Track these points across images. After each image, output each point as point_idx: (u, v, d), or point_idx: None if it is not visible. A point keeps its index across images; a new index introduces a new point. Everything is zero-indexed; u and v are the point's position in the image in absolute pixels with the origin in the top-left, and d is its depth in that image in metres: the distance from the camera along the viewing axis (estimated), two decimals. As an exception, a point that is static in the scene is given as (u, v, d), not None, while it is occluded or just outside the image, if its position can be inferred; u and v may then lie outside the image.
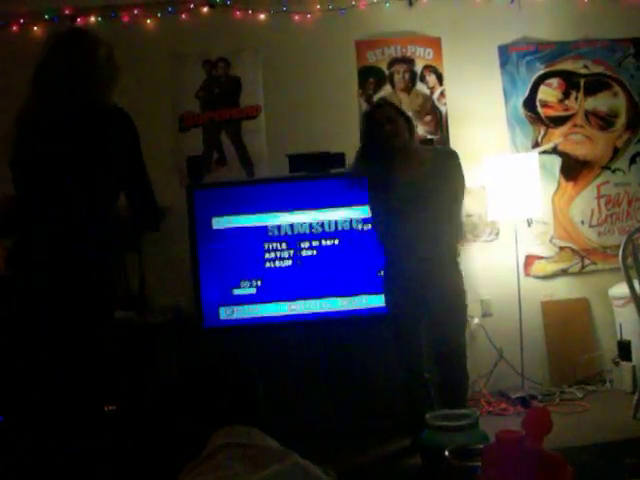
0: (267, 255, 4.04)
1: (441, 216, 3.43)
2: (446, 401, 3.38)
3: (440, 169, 3.46)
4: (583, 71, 4.70)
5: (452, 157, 3.56)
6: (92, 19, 4.43)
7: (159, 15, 4.47)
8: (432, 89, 4.63)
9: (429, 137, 4.52)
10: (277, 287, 4.04)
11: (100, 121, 2.58)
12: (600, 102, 4.71)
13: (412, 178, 3.43)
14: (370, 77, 4.61)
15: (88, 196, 2.53)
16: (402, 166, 3.47)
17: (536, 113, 4.68)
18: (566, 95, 4.69)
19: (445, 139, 4.59)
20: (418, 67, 4.64)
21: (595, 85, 4.71)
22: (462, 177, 3.54)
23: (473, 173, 4.43)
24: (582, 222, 4.70)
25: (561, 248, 4.68)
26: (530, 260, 4.64)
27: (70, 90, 2.56)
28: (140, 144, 2.64)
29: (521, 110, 4.66)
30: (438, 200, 3.42)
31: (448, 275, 3.45)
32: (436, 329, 3.46)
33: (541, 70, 4.68)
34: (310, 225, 4.05)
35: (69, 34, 2.73)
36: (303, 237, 4.05)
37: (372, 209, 3.62)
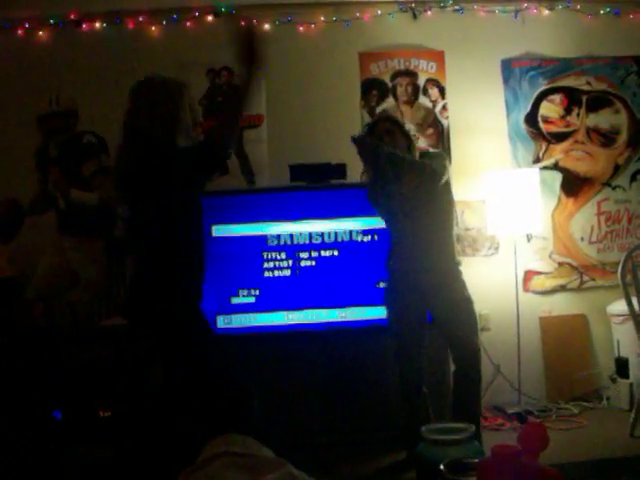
0: (266, 264, 4.04)
1: (439, 225, 3.43)
2: (460, 409, 3.38)
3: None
4: (585, 87, 4.71)
5: (437, 158, 3.54)
6: (97, 25, 4.45)
7: (164, 22, 4.49)
8: (434, 102, 4.64)
9: (431, 150, 4.53)
10: (275, 297, 4.03)
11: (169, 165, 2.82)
12: (602, 119, 4.72)
13: (407, 190, 3.41)
14: (373, 89, 4.62)
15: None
16: (398, 179, 3.43)
17: (538, 128, 4.69)
18: (568, 111, 4.70)
19: (446, 152, 4.59)
20: (421, 80, 4.65)
21: (597, 102, 4.72)
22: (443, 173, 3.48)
23: (474, 186, 4.44)
24: (582, 239, 4.70)
25: (560, 264, 4.68)
26: (529, 275, 4.64)
27: (148, 141, 2.83)
28: (193, 165, 2.86)
29: (523, 125, 4.67)
30: (434, 209, 3.42)
31: (451, 285, 3.43)
32: (448, 338, 3.47)
33: (543, 86, 4.70)
34: (310, 235, 4.05)
35: (151, 85, 2.95)
36: (302, 247, 4.05)
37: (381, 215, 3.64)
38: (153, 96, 2.88)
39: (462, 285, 3.47)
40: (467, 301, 3.45)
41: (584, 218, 4.70)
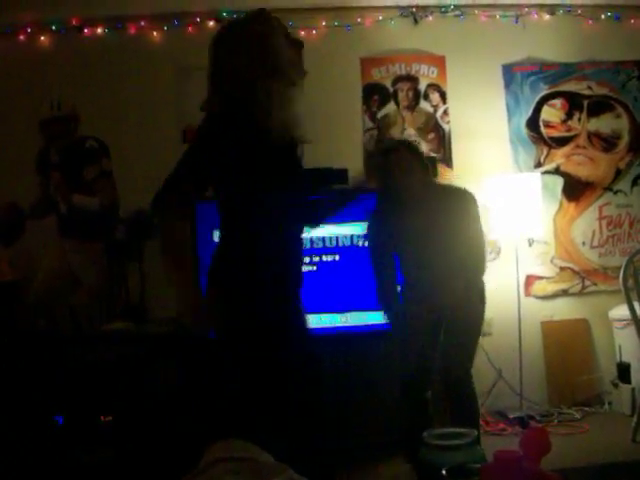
0: (267, 269, 4.03)
1: (457, 257, 3.23)
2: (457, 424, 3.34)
3: (453, 211, 3.26)
4: (587, 92, 4.72)
5: (464, 199, 3.34)
6: (99, 30, 4.46)
7: (165, 28, 4.49)
8: (436, 107, 4.65)
9: (432, 155, 4.53)
10: (277, 301, 4.02)
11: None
12: (603, 123, 4.72)
13: (425, 227, 3.22)
14: (374, 94, 4.62)
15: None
16: (414, 215, 3.24)
17: (539, 133, 4.69)
18: (569, 116, 4.71)
19: (448, 157, 4.60)
20: (422, 85, 4.65)
21: (598, 106, 4.72)
22: (476, 219, 3.33)
23: (475, 191, 4.44)
24: (583, 243, 4.70)
25: (562, 268, 4.68)
26: (530, 280, 4.64)
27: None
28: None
29: (524, 130, 4.67)
30: (453, 243, 3.23)
31: (467, 299, 3.28)
32: (445, 353, 3.39)
33: (545, 90, 4.70)
34: (311, 240, 4.04)
35: (230, 37, 2.42)
36: (303, 252, 4.04)
37: (374, 250, 3.44)
38: (236, 48, 2.34)
39: (479, 310, 3.34)
40: (475, 329, 3.34)
41: (585, 223, 4.70)
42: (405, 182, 3.23)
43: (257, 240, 2.40)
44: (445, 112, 4.65)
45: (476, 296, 3.35)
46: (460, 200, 3.33)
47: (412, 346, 3.35)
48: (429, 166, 3.42)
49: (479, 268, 3.34)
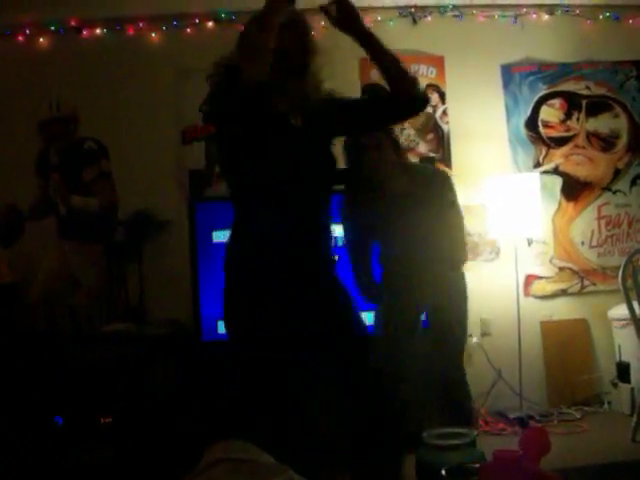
0: (267, 269, 4.02)
1: (436, 241, 3.27)
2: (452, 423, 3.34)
3: (430, 191, 3.27)
4: (585, 92, 4.72)
5: (441, 179, 3.38)
6: (98, 31, 4.46)
7: (164, 29, 4.49)
8: (434, 107, 4.65)
9: (431, 155, 4.54)
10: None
11: None
12: (601, 123, 4.73)
13: (400, 208, 3.23)
14: (373, 95, 4.62)
15: None
16: (387, 198, 3.25)
17: (538, 133, 4.69)
18: (568, 116, 4.71)
19: (447, 157, 4.60)
20: (421, 85, 4.65)
21: (597, 106, 4.73)
22: (453, 198, 3.35)
23: (474, 191, 4.44)
24: (582, 243, 4.70)
25: (561, 268, 4.68)
26: (530, 280, 4.64)
27: None
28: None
29: (523, 130, 4.68)
30: (431, 226, 3.25)
31: (449, 297, 3.34)
32: (434, 352, 3.39)
33: (543, 90, 4.70)
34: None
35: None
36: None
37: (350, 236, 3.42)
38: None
39: (460, 302, 3.37)
40: (460, 327, 3.36)
41: (584, 222, 4.71)
42: (375, 158, 3.22)
43: (269, 229, 2.40)
44: (444, 112, 4.65)
45: (457, 293, 3.36)
46: (435, 183, 3.32)
47: (390, 340, 3.34)
48: (400, 145, 3.41)
49: (461, 259, 3.35)
